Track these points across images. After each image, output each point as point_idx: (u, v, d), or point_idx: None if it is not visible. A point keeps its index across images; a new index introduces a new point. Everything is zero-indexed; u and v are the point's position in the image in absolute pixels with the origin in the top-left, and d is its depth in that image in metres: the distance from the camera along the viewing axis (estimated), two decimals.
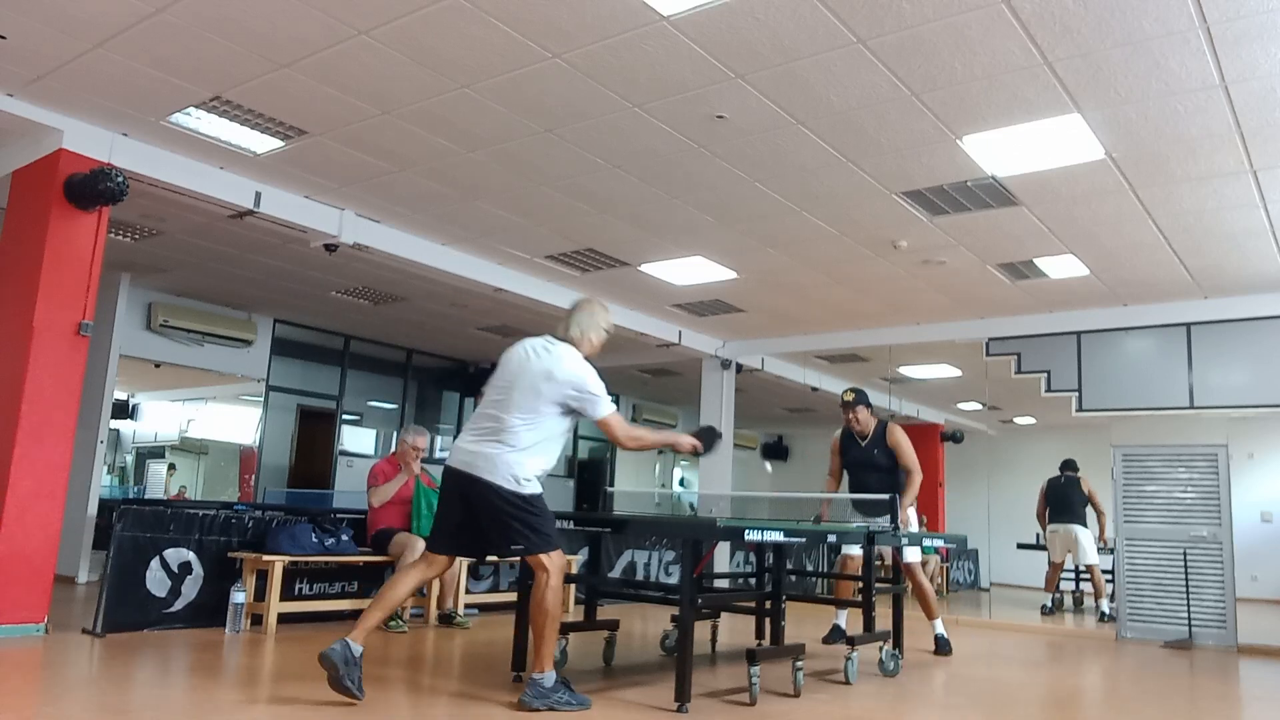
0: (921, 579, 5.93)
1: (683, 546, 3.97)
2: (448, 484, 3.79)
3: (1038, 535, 10.71)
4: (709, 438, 4.02)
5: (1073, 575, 10.35)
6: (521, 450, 3.67)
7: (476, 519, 3.73)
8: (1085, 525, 9.35)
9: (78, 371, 5.33)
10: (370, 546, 6.28)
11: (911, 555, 5.89)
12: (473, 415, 3.86)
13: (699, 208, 6.35)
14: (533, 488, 3.69)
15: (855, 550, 6.04)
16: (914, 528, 5.96)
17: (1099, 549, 9.23)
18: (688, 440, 3.99)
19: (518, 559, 3.88)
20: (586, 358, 3.92)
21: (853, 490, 6.08)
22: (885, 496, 5.61)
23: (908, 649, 5.66)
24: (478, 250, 7.59)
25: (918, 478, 5.91)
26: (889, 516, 5.59)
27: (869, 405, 6.11)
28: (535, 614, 3.64)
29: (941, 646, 5.96)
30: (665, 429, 3.94)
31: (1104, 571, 8.87)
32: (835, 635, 6.13)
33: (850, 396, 6.06)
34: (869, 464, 6.01)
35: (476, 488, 3.66)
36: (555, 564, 3.65)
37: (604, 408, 3.78)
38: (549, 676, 3.61)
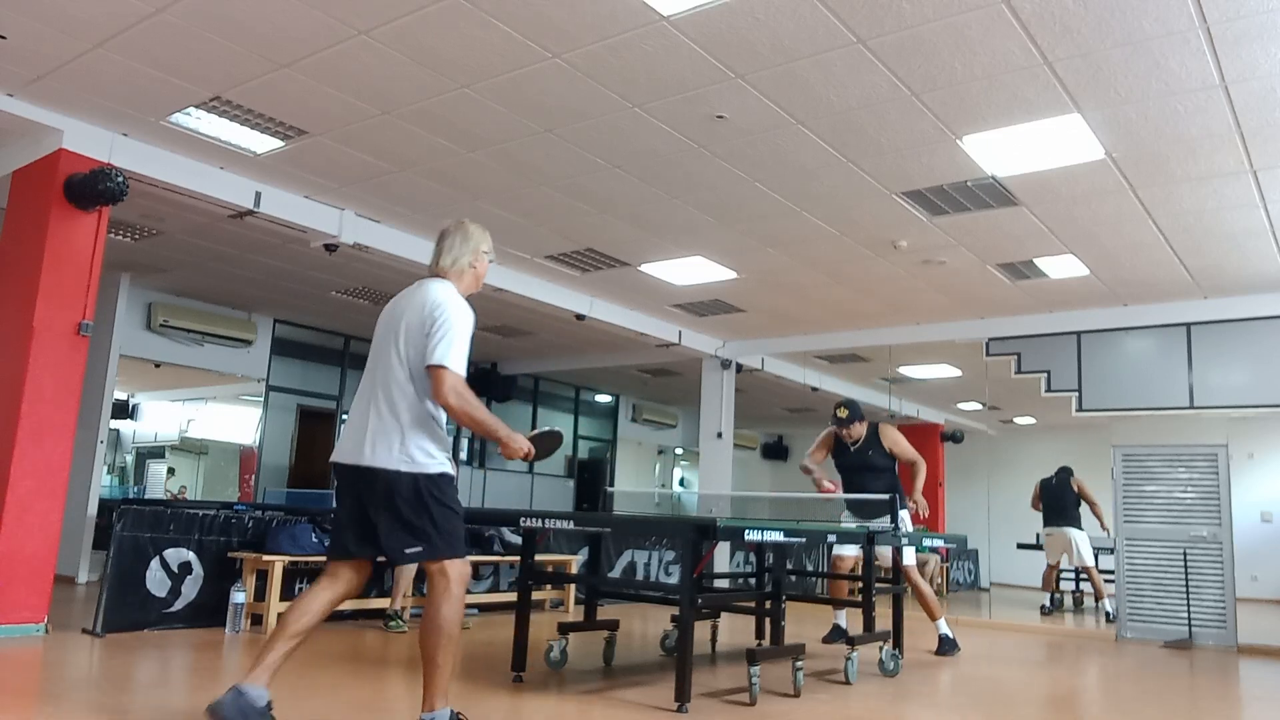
0: (919, 581, 5.92)
1: (683, 546, 3.97)
2: (338, 483, 3.10)
3: (1038, 535, 10.71)
4: (549, 443, 3.24)
5: (1073, 575, 10.35)
6: (410, 422, 2.96)
7: (369, 517, 3.02)
8: (1079, 527, 9.35)
9: (78, 371, 5.33)
10: None
11: (907, 558, 5.88)
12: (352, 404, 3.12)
13: (699, 208, 6.34)
14: (438, 465, 2.98)
15: (847, 551, 6.08)
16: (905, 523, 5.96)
17: (1101, 541, 9.20)
18: (520, 444, 3.09)
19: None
20: (466, 295, 3.20)
21: (845, 488, 6.09)
22: (884, 497, 5.61)
23: (908, 649, 5.66)
24: None
25: (923, 465, 6.00)
26: (889, 517, 5.60)
27: (862, 418, 6.05)
28: (428, 634, 2.89)
29: (946, 646, 5.96)
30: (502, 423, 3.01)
31: (1103, 571, 8.85)
32: (835, 635, 6.13)
33: (844, 414, 5.96)
34: (865, 466, 6.01)
35: (366, 479, 2.97)
36: (458, 572, 2.94)
37: (448, 353, 2.92)
38: (441, 715, 2.90)
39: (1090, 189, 5.65)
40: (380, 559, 3.12)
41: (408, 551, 2.95)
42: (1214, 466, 7.50)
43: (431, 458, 2.98)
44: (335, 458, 3.08)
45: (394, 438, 2.95)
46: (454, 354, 2.94)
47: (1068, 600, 10.48)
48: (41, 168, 5.44)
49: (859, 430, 6.03)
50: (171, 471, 10.38)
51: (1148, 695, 5.00)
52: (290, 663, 3.07)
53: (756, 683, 4.05)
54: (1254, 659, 6.72)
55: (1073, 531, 9.33)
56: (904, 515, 5.92)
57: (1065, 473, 9.61)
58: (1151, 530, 7.67)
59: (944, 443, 13.23)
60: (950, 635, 6.03)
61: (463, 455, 12.34)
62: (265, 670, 2.87)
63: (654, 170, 5.74)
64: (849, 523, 6.04)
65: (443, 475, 3.00)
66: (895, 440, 6.00)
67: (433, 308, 3.00)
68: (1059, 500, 9.50)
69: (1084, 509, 9.51)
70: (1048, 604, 9.45)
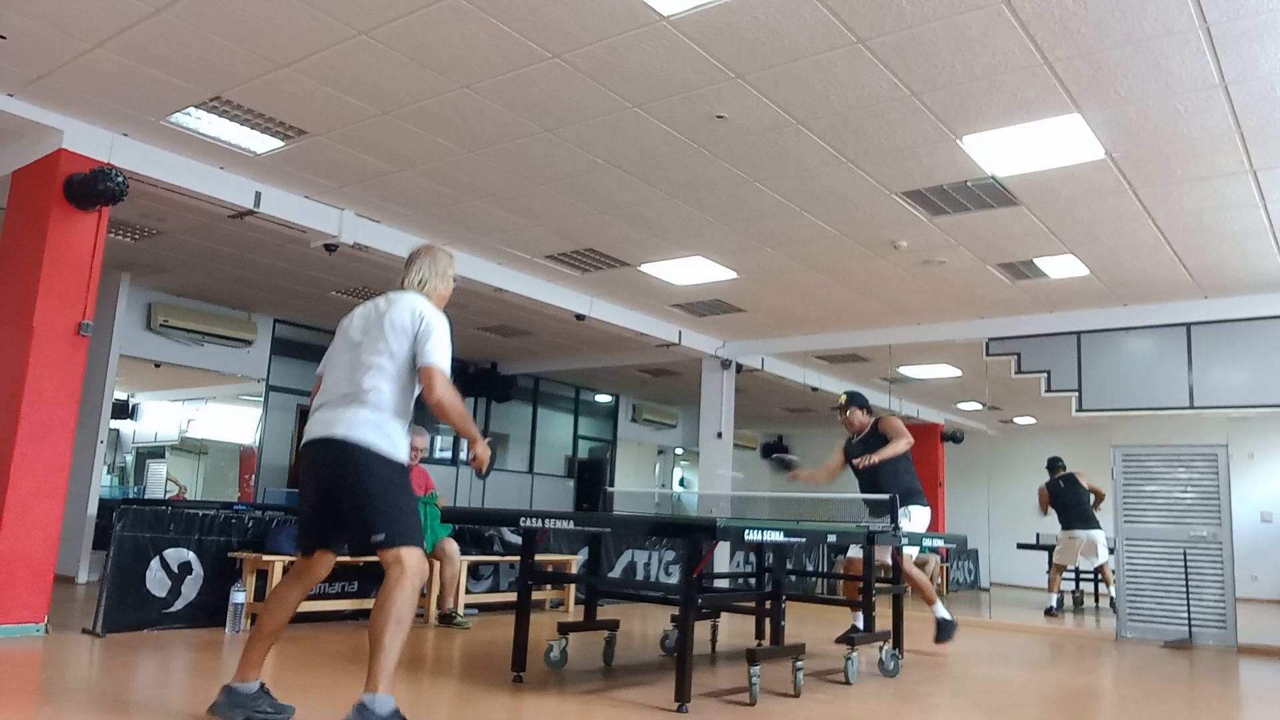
0: (910, 569, 5.90)
1: (683, 546, 3.97)
2: (305, 465, 3.19)
3: (1038, 535, 10.72)
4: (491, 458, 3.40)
5: (1073, 575, 10.32)
6: (385, 409, 3.13)
7: (335, 502, 3.14)
8: (1100, 527, 9.23)
9: (78, 371, 5.33)
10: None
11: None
12: (320, 390, 3.30)
13: (699, 208, 6.35)
14: (403, 454, 3.15)
15: (858, 554, 6.06)
16: (915, 521, 5.94)
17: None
18: (484, 449, 3.32)
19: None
20: None
21: (860, 487, 6.11)
22: (885, 497, 5.61)
23: (908, 649, 5.66)
24: (478, 250, 7.59)
25: (903, 443, 6.00)
26: (889, 516, 5.59)
27: (863, 406, 6.29)
28: (378, 616, 2.92)
29: (945, 630, 5.94)
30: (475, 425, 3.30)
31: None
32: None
33: (842, 399, 6.30)
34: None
35: (339, 455, 3.07)
36: (414, 562, 3.02)
37: (439, 354, 3.16)
38: (385, 701, 2.81)
39: (1090, 189, 5.65)
40: (342, 555, 3.27)
41: (373, 539, 3.05)
42: (1214, 466, 7.50)
43: (401, 449, 3.17)
44: (309, 437, 3.20)
45: (377, 421, 3.12)
46: (443, 356, 3.19)
47: (1067, 600, 10.46)
48: (41, 168, 5.44)
49: (859, 419, 6.24)
50: (173, 483, 10.38)
51: (1148, 695, 5.00)
52: (290, 663, 3.09)
53: (756, 683, 4.05)
54: (1254, 659, 6.72)
55: (1097, 534, 9.20)
56: (919, 511, 5.93)
57: (1060, 467, 9.51)
58: (1151, 530, 7.67)
59: (944, 443, 13.23)
60: (949, 617, 6.00)
61: (463, 455, 12.32)
62: (250, 667, 3.18)
63: (654, 170, 5.74)
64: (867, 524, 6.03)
65: (406, 467, 3.19)
66: (890, 425, 6.11)
67: (419, 315, 3.24)
68: (1076, 501, 9.36)
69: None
70: (1054, 605, 9.34)
